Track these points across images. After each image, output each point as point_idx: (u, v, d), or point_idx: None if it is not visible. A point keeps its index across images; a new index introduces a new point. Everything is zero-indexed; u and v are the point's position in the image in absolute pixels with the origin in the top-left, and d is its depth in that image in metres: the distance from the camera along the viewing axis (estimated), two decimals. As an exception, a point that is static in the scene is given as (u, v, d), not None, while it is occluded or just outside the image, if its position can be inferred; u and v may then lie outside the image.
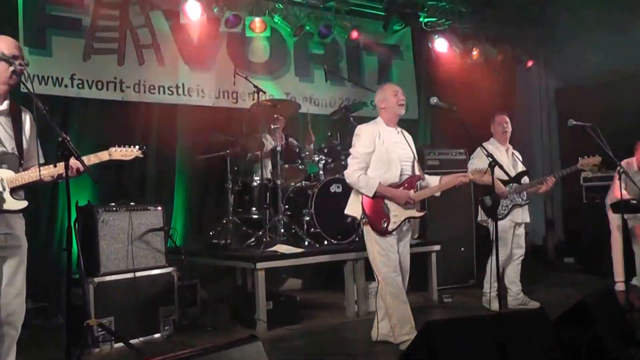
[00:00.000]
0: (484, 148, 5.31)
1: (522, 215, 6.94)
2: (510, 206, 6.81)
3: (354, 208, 5.57)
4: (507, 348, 3.69)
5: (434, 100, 5.44)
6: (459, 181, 5.55)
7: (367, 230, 5.49)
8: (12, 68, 3.92)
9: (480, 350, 3.71)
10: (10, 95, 4.10)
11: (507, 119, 7.11)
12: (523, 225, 7.01)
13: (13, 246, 4.09)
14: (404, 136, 5.70)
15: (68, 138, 3.68)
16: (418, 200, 5.52)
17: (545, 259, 10.94)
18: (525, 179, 6.88)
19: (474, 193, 8.18)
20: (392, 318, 5.45)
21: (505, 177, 6.24)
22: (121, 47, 7.71)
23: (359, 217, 5.52)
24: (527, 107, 11.87)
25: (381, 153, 5.47)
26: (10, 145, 4.05)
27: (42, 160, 4.18)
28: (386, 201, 5.41)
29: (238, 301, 6.92)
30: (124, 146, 4.25)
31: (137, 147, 4.31)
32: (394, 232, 5.41)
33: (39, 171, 4.04)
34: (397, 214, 5.41)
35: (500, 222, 6.69)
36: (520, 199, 6.84)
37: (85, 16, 7.51)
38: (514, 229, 6.92)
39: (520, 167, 7.06)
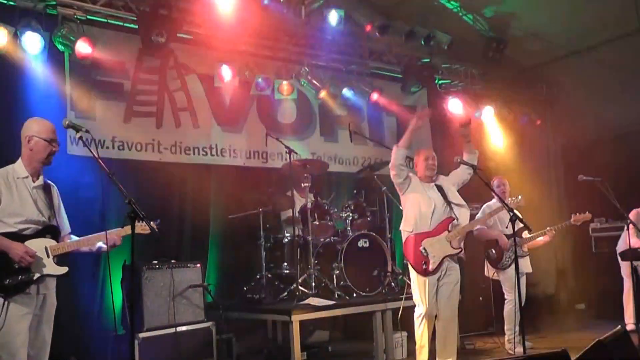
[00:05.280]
0: (505, 204, 6.12)
1: (524, 265, 7.41)
2: (512, 257, 7.15)
3: None
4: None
5: (457, 159, 5.97)
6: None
7: (412, 271, 6.28)
8: (49, 149, 4.59)
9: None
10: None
11: (505, 181, 7.76)
12: (524, 275, 7.43)
13: (48, 305, 4.57)
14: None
15: (134, 200, 4.09)
16: (454, 239, 6.20)
17: (557, 306, 11.20)
18: (525, 233, 7.30)
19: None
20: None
21: (510, 232, 6.76)
22: (159, 110, 8.03)
23: None
24: (536, 163, 12.23)
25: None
26: (47, 215, 4.59)
27: (69, 230, 4.83)
28: (423, 244, 6.12)
29: (272, 353, 7.17)
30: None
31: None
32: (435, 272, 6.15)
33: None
34: (435, 255, 6.11)
35: (507, 272, 7.40)
36: (521, 251, 7.23)
37: (126, 80, 7.83)
38: None
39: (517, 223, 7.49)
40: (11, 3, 6.90)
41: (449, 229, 6.22)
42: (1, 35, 6.62)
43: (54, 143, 4.58)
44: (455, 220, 6.25)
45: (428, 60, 10.14)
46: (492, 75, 11.03)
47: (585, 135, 11.22)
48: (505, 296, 7.48)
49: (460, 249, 6.24)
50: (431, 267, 6.14)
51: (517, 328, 7.04)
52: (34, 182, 4.55)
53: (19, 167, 4.54)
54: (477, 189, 6.91)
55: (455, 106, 10.51)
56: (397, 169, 6.29)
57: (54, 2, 7.12)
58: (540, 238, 7.56)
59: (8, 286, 4.26)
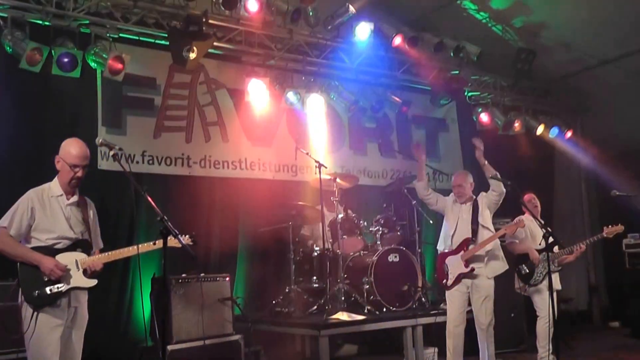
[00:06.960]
0: (537, 218, 6.19)
1: (555, 281, 7.21)
2: (544, 273, 7.05)
3: None
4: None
5: (489, 175, 5.99)
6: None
7: None
8: (71, 174, 4.54)
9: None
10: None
11: (534, 196, 7.56)
12: (555, 291, 7.26)
13: (79, 318, 4.61)
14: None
15: (165, 217, 4.14)
16: (467, 258, 6.46)
17: (590, 324, 11.07)
18: (556, 248, 7.17)
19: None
20: None
21: (540, 246, 6.92)
22: (189, 124, 8.11)
23: None
24: (567, 176, 12.07)
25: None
26: (79, 231, 4.63)
27: (101, 246, 4.88)
28: (446, 261, 6.52)
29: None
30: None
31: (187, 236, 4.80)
32: (454, 287, 6.49)
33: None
34: (452, 272, 6.50)
35: (538, 287, 7.20)
36: (553, 266, 7.13)
37: (156, 96, 7.94)
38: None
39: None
40: (46, 23, 7.05)
41: (466, 249, 6.50)
42: (37, 54, 6.74)
43: (77, 169, 4.55)
44: (473, 241, 6.47)
45: (457, 72, 10.07)
46: (521, 86, 10.99)
47: (616, 147, 11.06)
48: (538, 313, 7.35)
49: (470, 269, 6.40)
50: (449, 282, 6.55)
51: (551, 346, 6.96)
52: (67, 199, 4.60)
53: (54, 186, 4.60)
54: (508, 204, 6.89)
55: (484, 119, 10.46)
56: (424, 199, 6.99)
57: (87, 22, 7.27)
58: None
59: (37, 298, 4.32)
